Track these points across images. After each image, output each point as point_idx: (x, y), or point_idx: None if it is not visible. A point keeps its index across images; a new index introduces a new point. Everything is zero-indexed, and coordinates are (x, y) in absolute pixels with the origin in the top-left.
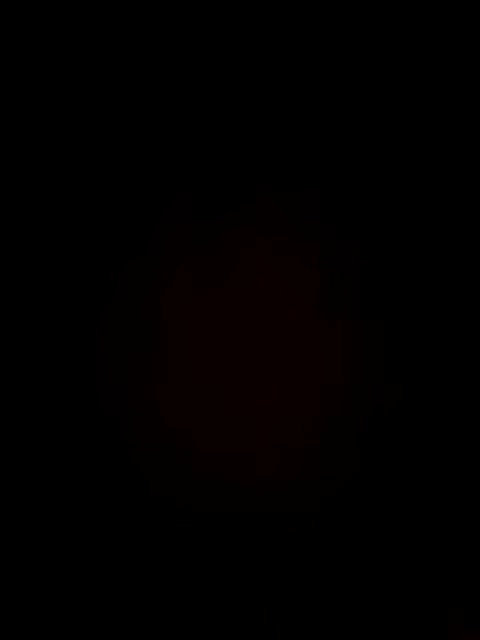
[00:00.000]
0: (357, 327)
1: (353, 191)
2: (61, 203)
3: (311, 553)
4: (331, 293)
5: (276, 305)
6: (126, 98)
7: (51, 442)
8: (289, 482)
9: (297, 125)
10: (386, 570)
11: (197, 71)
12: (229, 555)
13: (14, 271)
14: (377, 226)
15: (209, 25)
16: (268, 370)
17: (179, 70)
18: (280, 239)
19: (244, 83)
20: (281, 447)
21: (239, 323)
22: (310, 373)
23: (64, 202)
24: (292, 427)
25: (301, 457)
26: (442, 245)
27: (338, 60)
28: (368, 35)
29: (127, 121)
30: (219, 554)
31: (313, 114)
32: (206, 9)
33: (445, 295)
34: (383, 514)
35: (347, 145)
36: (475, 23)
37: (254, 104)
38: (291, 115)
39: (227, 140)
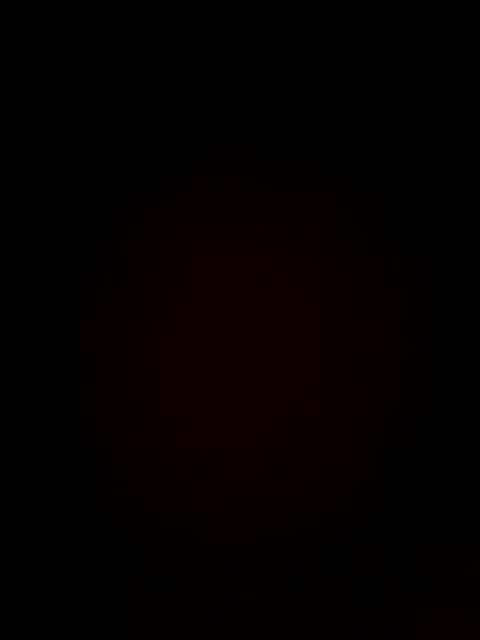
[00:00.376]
0: (353, 327)
1: (357, 192)
2: (59, 204)
3: (311, 552)
4: (332, 293)
5: (277, 305)
6: (124, 97)
7: (48, 441)
8: (289, 482)
9: (333, 122)
10: (386, 569)
11: (198, 73)
12: (229, 555)
13: (13, 271)
14: (383, 225)
15: (208, 20)
16: (269, 370)
17: (180, 73)
18: (279, 238)
19: (275, 79)
20: (281, 446)
21: (239, 323)
22: (311, 373)
23: (62, 203)
24: (292, 427)
25: (301, 457)
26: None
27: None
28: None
29: (127, 120)
30: (218, 554)
31: (360, 107)
32: (201, 5)
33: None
34: (383, 513)
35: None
36: None
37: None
38: (337, 110)
39: (241, 138)
